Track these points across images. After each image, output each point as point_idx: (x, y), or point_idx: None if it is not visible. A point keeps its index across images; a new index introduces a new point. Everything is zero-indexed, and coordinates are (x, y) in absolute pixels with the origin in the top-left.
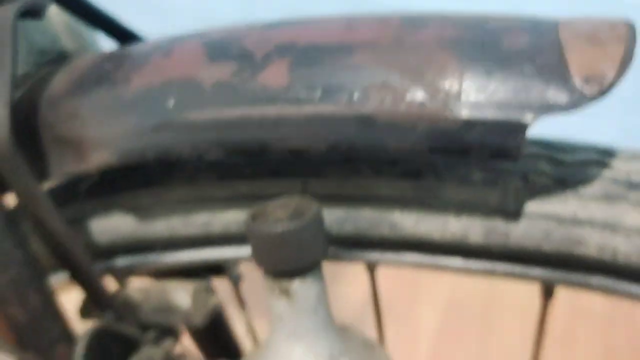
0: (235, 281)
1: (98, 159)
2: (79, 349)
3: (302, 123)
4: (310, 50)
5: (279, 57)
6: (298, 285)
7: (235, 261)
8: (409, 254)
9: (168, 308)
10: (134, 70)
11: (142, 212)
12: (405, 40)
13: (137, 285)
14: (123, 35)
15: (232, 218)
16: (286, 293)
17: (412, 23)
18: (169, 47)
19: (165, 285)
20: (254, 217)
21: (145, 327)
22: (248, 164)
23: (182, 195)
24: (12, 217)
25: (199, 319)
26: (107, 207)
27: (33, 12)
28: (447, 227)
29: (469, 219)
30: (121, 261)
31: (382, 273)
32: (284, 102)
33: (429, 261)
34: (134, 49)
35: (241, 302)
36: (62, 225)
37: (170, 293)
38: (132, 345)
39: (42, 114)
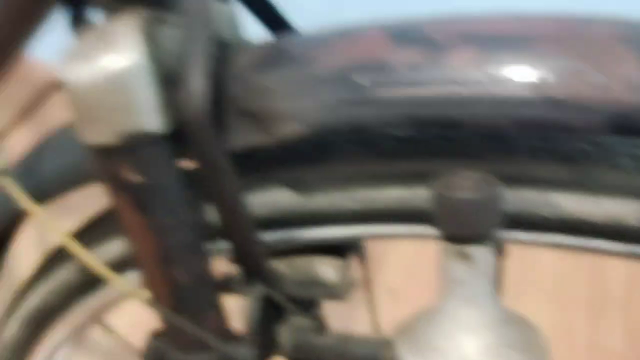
0: (365, 261)
1: (287, 130)
2: (251, 310)
3: (494, 103)
4: (492, 39)
5: (463, 44)
6: (479, 251)
7: (365, 241)
8: (565, 236)
9: (313, 282)
10: (320, 51)
11: (302, 186)
12: (581, 34)
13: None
14: (277, 24)
15: (395, 195)
16: (467, 257)
17: (581, 21)
18: (350, 33)
19: (311, 260)
20: (439, 187)
21: (288, 299)
22: (408, 144)
23: (343, 171)
24: (186, 183)
25: (343, 293)
26: (265, 182)
27: None
28: (605, 209)
29: (625, 202)
30: (271, 235)
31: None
32: (475, 83)
33: (583, 244)
34: (311, 34)
35: (368, 283)
36: (238, 196)
37: (317, 267)
38: (279, 315)
39: (225, 89)
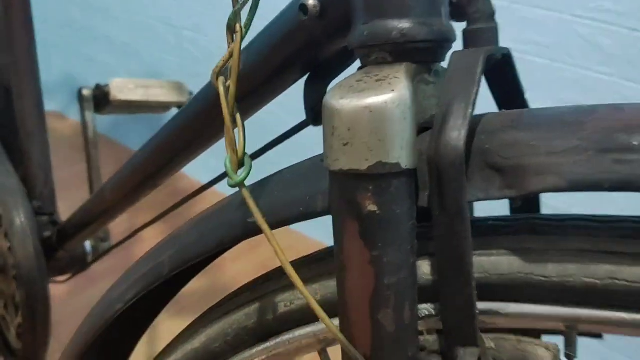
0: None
1: (541, 183)
2: None
3: None
4: None
5: None
6: None
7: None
8: None
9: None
10: (587, 117)
11: (530, 254)
12: None
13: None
14: (514, 102)
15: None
16: None
17: None
18: (616, 106)
19: (521, 340)
20: None
21: None
22: None
23: (578, 245)
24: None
25: None
26: (486, 246)
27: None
28: None
29: None
30: (484, 305)
31: None
32: None
33: None
34: (565, 107)
35: None
36: (469, 251)
37: (530, 348)
38: None
39: (475, 143)
